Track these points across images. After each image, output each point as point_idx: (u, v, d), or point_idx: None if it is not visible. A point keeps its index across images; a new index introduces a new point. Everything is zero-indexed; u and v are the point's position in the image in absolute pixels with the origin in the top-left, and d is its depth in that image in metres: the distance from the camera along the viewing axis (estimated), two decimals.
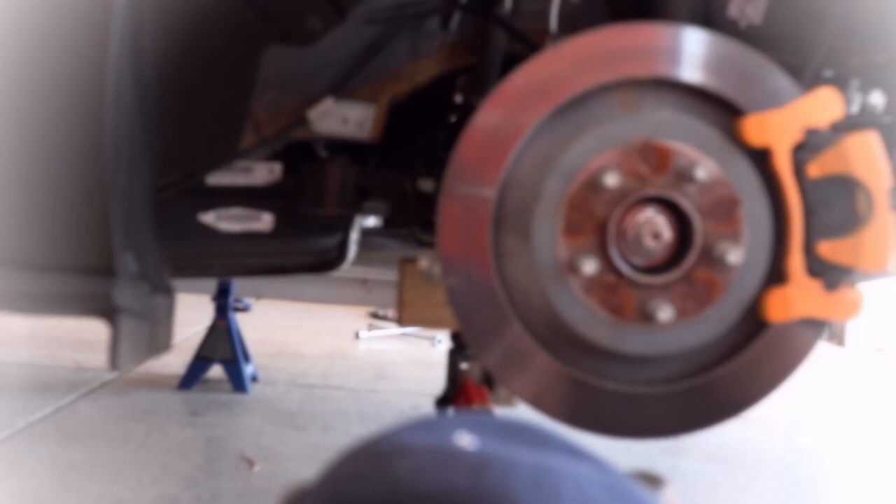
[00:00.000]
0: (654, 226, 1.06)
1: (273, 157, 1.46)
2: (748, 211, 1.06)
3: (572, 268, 1.05)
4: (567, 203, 1.05)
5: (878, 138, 1.05)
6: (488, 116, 1.07)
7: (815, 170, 1.05)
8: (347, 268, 1.75)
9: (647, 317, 1.05)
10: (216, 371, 3.32)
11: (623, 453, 2.82)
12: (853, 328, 6.46)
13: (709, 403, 1.11)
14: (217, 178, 1.42)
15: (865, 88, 1.35)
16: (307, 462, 2.46)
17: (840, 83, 1.31)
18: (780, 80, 1.08)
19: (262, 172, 1.45)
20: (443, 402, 2.06)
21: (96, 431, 2.61)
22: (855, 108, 1.35)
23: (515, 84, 1.07)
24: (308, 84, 1.38)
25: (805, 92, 1.07)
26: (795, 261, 1.06)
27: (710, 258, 1.05)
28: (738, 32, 1.26)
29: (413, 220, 1.57)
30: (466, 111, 1.36)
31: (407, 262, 1.67)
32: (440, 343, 4.90)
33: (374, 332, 5.19)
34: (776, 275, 1.07)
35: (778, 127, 1.05)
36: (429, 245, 1.64)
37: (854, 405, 4.25)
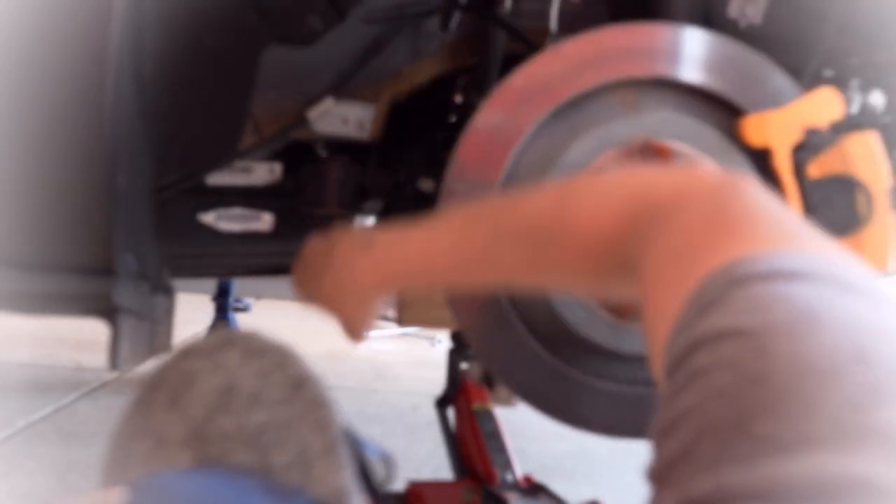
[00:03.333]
0: None
1: (273, 157, 1.45)
2: None
3: None
4: None
5: (878, 138, 1.05)
6: (488, 116, 1.07)
7: (815, 170, 1.05)
8: None
9: None
10: None
11: (624, 454, 2.82)
12: None
13: None
14: (217, 178, 1.42)
15: (865, 88, 1.35)
16: None
17: (840, 83, 1.31)
18: (781, 81, 1.08)
19: (262, 172, 1.45)
20: (443, 402, 2.06)
21: (96, 431, 2.61)
22: (855, 108, 1.34)
23: (515, 84, 1.07)
24: (308, 84, 1.38)
25: (805, 92, 1.07)
26: None
27: None
28: (738, 32, 1.26)
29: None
30: (466, 111, 1.36)
31: None
32: (440, 343, 4.90)
33: (374, 332, 5.19)
34: None
35: (778, 127, 1.05)
36: None
37: None
